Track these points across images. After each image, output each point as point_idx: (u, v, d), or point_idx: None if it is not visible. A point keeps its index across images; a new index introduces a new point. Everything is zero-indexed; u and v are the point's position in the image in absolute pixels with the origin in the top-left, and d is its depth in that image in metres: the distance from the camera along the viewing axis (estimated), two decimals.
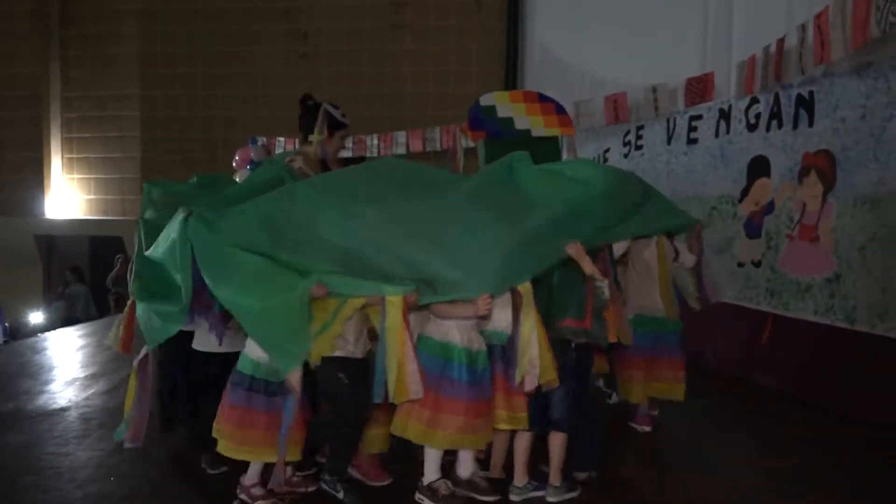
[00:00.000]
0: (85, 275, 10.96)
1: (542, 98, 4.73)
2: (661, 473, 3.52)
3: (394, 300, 2.77)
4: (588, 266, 2.96)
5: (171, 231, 2.85)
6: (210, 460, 3.31)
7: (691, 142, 6.08)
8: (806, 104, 4.74)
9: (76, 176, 11.83)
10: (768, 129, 5.12)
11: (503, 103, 4.55)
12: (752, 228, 5.23)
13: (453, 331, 2.92)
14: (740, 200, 5.39)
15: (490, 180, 3.24)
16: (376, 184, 3.13)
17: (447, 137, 8.16)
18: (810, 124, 4.71)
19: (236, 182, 4.16)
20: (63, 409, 4.44)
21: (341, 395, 2.94)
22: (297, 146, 4.01)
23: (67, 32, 11.69)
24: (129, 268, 3.32)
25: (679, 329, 3.94)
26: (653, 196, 3.70)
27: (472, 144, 5.57)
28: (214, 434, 2.92)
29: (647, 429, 3.99)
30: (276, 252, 2.80)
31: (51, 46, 11.56)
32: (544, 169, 3.29)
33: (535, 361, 2.86)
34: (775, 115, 5.05)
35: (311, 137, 3.91)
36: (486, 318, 2.96)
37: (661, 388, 3.89)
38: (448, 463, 3.09)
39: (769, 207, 5.07)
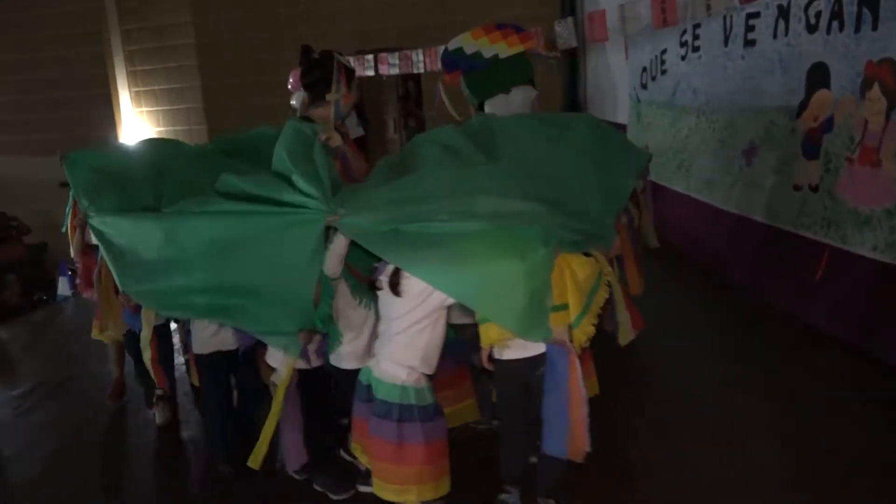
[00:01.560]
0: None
1: (500, 26, 4.94)
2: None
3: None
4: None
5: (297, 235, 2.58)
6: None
7: (748, 43, 5.38)
8: (869, 2, 4.02)
9: (144, 109, 12.09)
10: (829, 31, 4.41)
11: (468, 42, 4.86)
12: (810, 148, 4.63)
13: None
14: (798, 115, 4.76)
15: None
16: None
17: None
18: (874, 27, 4.00)
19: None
20: None
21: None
22: (303, 98, 3.46)
23: None
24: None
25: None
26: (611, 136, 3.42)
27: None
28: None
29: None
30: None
31: None
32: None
33: None
34: (836, 14, 4.32)
35: (328, 96, 3.20)
36: None
37: None
38: None
39: (828, 124, 4.45)
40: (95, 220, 2.90)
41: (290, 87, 10.41)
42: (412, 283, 2.47)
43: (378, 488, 2.54)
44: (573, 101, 10.30)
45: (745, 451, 3.21)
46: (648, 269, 6.27)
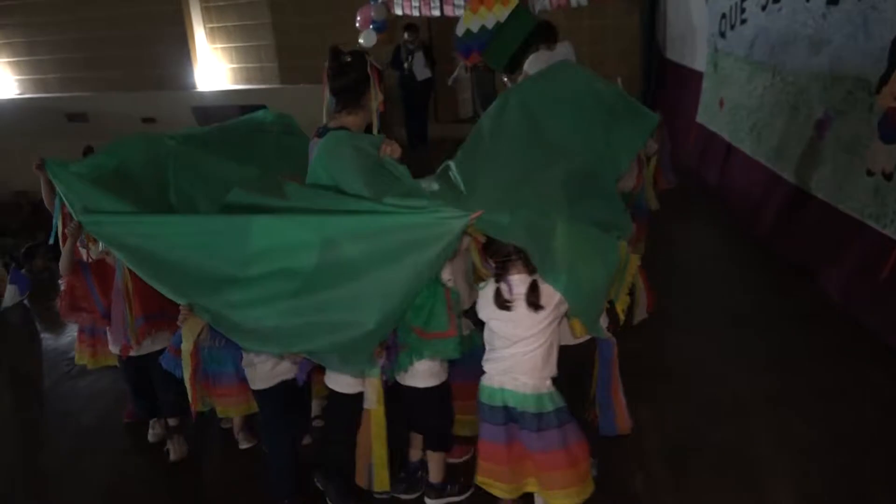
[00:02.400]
0: None
1: None
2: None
3: None
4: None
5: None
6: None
7: (831, 1, 4.78)
8: None
9: (219, 46, 12.15)
10: None
11: (469, 21, 5.06)
12: (888, 130, 4.12)
13: None
14: (878, 90, 4.23)
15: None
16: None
17: None
18: None
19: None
20: None
21: None
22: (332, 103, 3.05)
23: None
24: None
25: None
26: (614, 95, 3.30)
27: None
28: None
29: None
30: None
31: None
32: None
33: None
34: None
35: (363, 102, 2.96)
36: None
37: None
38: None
39: None
40: (109, 221, 2.59)
41: (357, 25, 10.22)
42: (547, 293, 2.41)
43: (556, 498, 2.50)
44: (650, 42, 9.64)
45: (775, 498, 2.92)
46: (703, 239, 5.97)
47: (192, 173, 2.94)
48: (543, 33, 6.16)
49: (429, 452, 2.98)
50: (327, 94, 2.98)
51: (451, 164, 2.87)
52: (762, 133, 5.96)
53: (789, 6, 5.42)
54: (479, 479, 2.61)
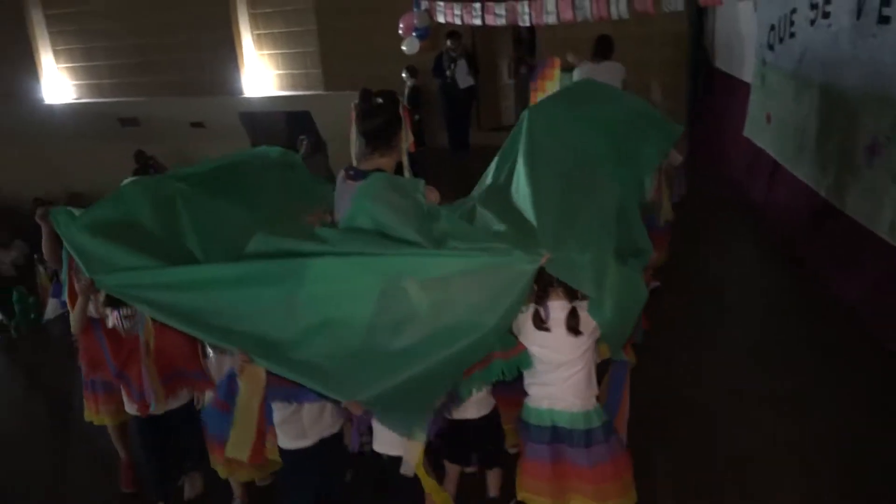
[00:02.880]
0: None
1: None
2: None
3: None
4: None
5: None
6: None
7: (882, 20, 4.54)
8: None
9: (266, 52, 12.32)
10: None
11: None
12: None
13: None
14: None
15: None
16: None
17: (598, 5, 6.99)
18: None
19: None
20: None
21: None
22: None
23: None
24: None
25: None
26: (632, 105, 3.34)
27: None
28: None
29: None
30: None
31: None
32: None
33: None
34: None
35: (394, 143, 2.88)
36: None
37: None
38: None
39: None
40: (130, 278, 2.43)
41: (400, 32, 10.23)
42: (585, 320, 2.47)
43: None
44: (698, 50, 9.40)
45: None
46: (742, 260, 5.77)
47: (207, 218, 2.84)
48: (596, 45, 6.21)
49: (488, 472, 3.05)
50: (354, 133, 2.92)
51: (478, 205, 2.72)
52: (808, 154, 5.73)
53: (839, 23, 5.19)
54: (522, 496, 2.64)
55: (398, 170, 3.00)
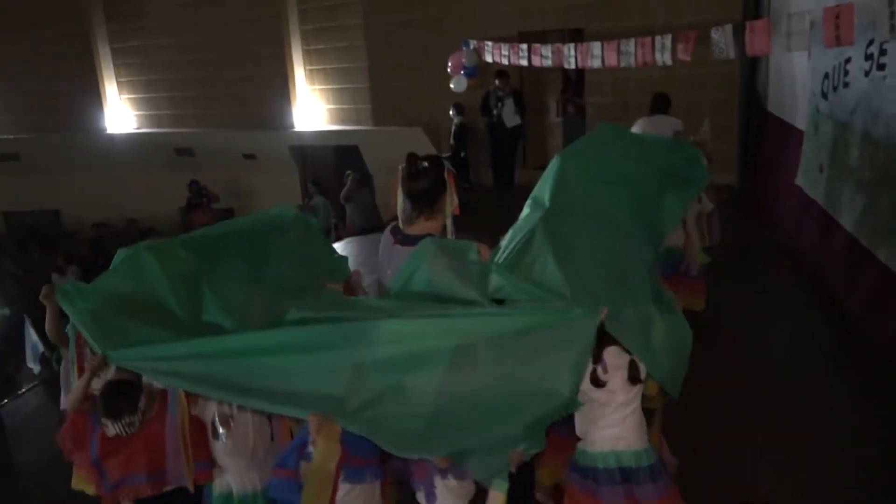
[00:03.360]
0: (325, 187, 11.71)
1: None
2: None
3: None
4: None
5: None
6: None
7: None
8: None
9: (317, 87, 12.57)
10: None
11: None
12: None
13: None
14: None
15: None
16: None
17: (643, 52, 6.89)
18: None
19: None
20: None
21: None
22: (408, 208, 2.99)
23: None
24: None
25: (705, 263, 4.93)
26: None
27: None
28: None
29: None
30: None
31: None
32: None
33: None
34: None
35: (438, 206, 2.94)
36: None
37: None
38: None
39: None
40: (157, 353, 2.38)
41: (448, 70, 10.31)
42: (643, 368, 2.56)
43: None
44: (750, 93, 9.18)
45: None
46: (786, 315, 5.54)
47: (226, 288, 2.80)
48: (652, 102, 6.61)
49: None
50: (400, 197, 2.96)
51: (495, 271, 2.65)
52: (861, 209, 5.49)
53: (895, 75, 4.98)
54: None
55: (442, 234, 3.04)
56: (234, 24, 12.59)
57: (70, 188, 13.71)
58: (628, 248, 2.92)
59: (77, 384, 2.70)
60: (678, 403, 2.83)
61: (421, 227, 2.91)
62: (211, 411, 2.73)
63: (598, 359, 2.49)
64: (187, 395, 2.63)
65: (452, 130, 10.91)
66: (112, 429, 2.68)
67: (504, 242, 2.95)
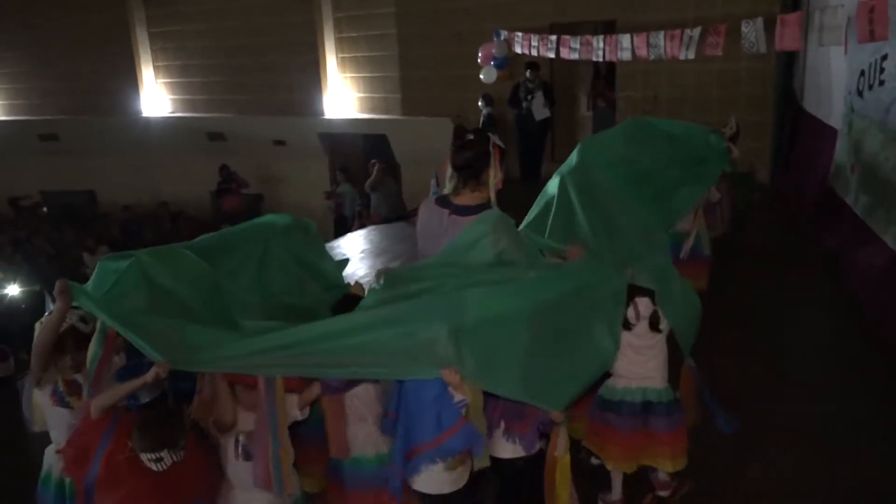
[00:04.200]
0: (353, 175, 11.69)
1: None
2: None
3: None
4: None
5: None
6: None
7: None
8: None
9: (349, 75, 12.59)
10: None
11: None
12: None
13: None
14: None
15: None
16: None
17: (672, 45, 6.76)
18: None
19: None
20: None
21: None
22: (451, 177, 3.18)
23: None
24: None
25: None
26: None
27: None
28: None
29: None
30: None
31: None
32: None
33: None
34: None
35: (483, 178, 3.07)
36: None
37: None
38: None
39: None
40: (234, 350, 2.34)
41: (479, 61, 10.24)
42: (664, 321, 2.97)
43: (676, 465, 3.03)
44: (785, 90, 8.96)
45: None
46: (806, 317, 5.40)
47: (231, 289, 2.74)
48: None
49: None
50: (449, 168, 3.14)
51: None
52: (891, 211, 5.32)
53: None
54: (611, 465, 3.10)
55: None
56: (269, 10, 12.66)
57: (105, 169, 13.96)
58: (648, 215, 3.68)
59: (111, 393, 2.40)
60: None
61: (468, 198, 3.06)
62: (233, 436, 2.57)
63: (629, 305, 2.88)
64: (214, 422, 2.52)
65: (481, 121, 10.84)
66: (159, 465, 2.37)
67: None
